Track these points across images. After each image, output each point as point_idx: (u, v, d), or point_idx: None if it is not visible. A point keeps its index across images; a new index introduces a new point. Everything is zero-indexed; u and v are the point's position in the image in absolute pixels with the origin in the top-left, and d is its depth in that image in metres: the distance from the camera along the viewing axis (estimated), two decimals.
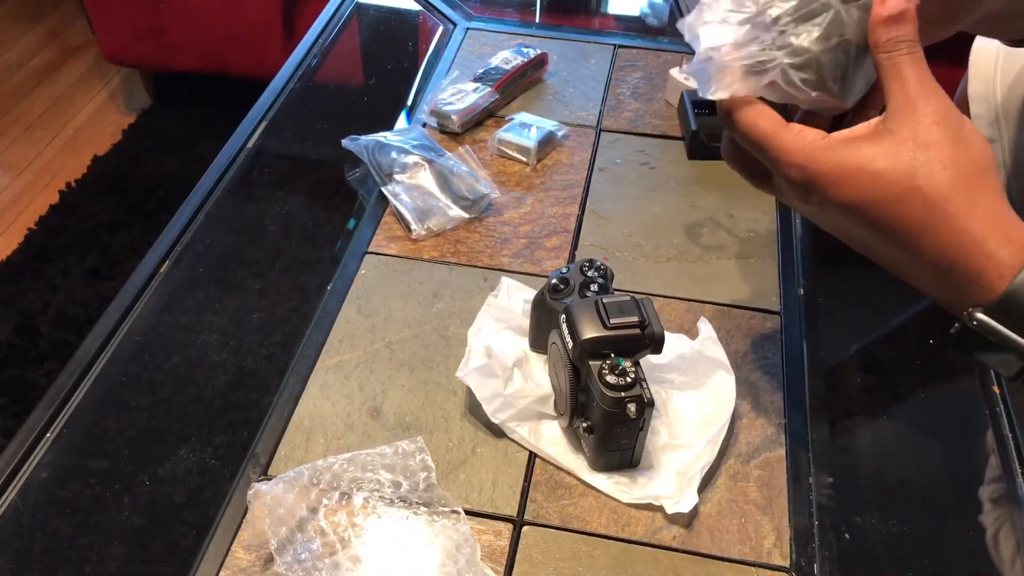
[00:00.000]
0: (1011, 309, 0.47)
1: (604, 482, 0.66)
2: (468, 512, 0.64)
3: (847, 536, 0.65)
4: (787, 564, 0.63)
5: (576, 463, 0.67)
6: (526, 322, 0.74)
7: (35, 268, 2.08)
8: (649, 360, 0.70)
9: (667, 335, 0.73)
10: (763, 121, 0.51)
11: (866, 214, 0.49)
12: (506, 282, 0.79)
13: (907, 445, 0.73)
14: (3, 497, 0.66)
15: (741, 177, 0.59)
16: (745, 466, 0.68)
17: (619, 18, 1.35)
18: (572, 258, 0.86)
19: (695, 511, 0.65)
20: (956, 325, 0.50)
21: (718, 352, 0.72)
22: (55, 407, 0.71)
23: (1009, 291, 0.47)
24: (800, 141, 0.50)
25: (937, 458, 0.73)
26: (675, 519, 0.65)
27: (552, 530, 0.64)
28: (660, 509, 0.65)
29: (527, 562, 0.62)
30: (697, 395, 0.71)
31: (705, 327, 0.74)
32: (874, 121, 0.50)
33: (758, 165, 0.56)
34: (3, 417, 1.77)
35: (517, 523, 0.65)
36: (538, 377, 0.72)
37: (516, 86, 1.05)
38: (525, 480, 0.67)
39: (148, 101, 2.61)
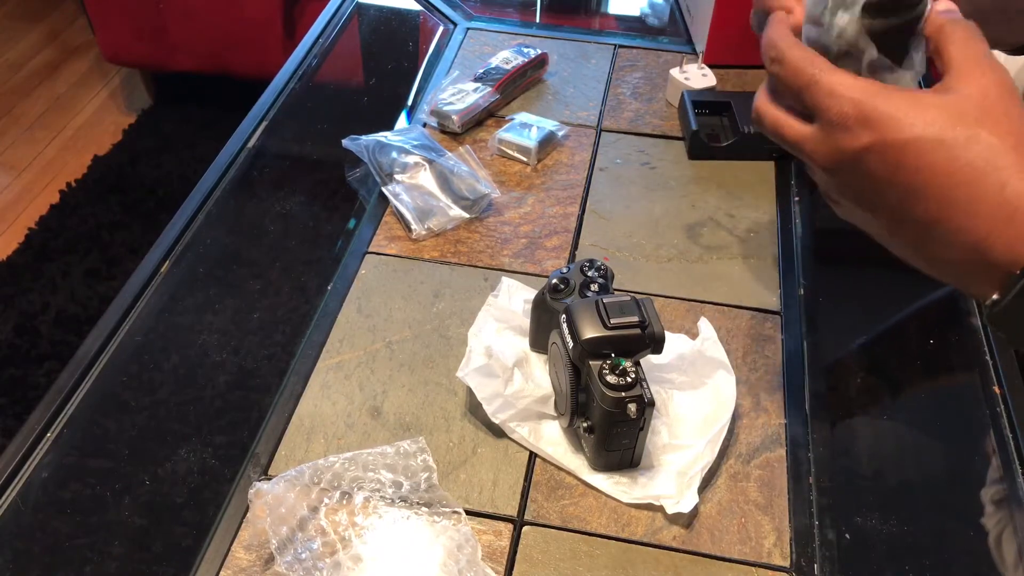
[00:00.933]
0: None
1: (604, 482, 0.66)
2: (468, 512, 0.64)
3: (847, 536, 0.65)
4: (787, 564, 0.63)
5: (576, 463, 0.67)
6: (526, 322, 0.74)
7: (35, 268, 2.08)
8: (649, 360, 0.70)
9: (667, 335, 0.73)
10: (818, 59, 0.49)
11: (920, 157, 0.46)
12: (506, 282, 0.79)
13: (907, 445, 0.73)
14: (3, 497, 0.66)
15: (771, 133, 0.54)
16: (745, 466, 0.68)
17: (619, 18, 1.34)
18: (572, 258, 0.86)
19: (695, 511, 0.65)
20: (997, 296, 0.46)
21: (719, 352, 0.72)
22: (55, 407, 0.71)
23: None
24: (859, 80, 0.48)
25: (938, 459, 0.73)
26: (675, 519, 0.65)
27: (552, 530, 0.64)
28: (660, 509, 0.65)
29: (527, 562, 0.62)
30: (697, 395, 0.71)
31: (706, 327, 0.73)
32: (934, 86, 0.48)
33: (796, 113, 0.52)
34: (3, 417, 1.77)
35: (517, 523, 0.65)
36: (538, 377, 0.72)
37: (516, 86, 1.05)
38: (525, 480, 0.67)
39: (148, 101, 2.61)
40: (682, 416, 0.70)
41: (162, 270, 0.84)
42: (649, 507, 0.65)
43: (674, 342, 0.74)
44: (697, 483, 0.64)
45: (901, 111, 0.46)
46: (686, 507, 0.64)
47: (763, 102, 0.54)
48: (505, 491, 0.66)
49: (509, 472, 0.67)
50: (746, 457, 0.69)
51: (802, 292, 0.83)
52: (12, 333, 1.93)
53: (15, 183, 2.36)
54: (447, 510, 0.64)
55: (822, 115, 0.49)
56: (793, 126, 0.52)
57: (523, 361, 0.72)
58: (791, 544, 0.64)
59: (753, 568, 0.62)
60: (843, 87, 0.48)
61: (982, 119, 0.45)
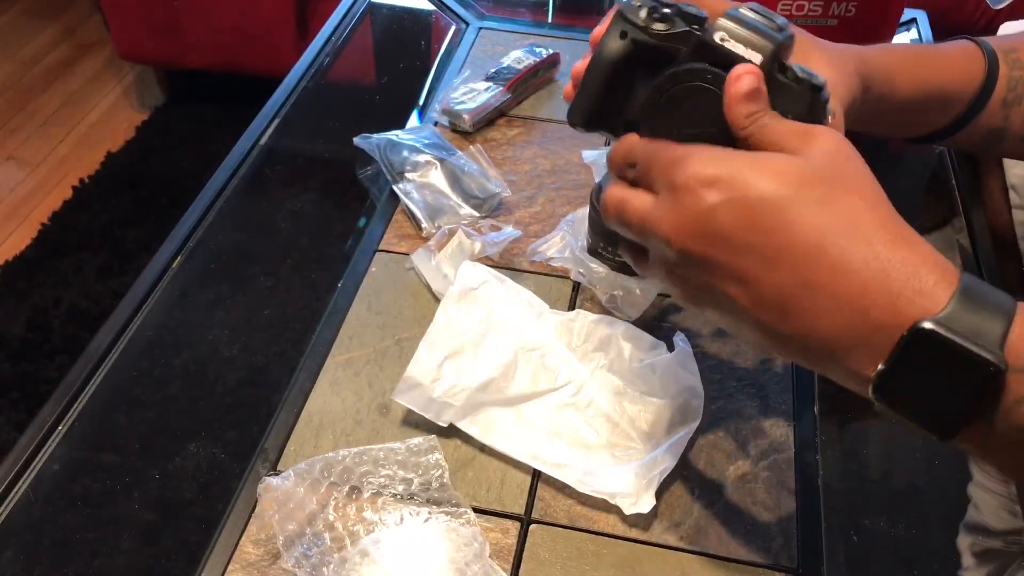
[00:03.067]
0: (962, 316, 0.40)
1: (562, 472, 0.66)
2: (476, 510, 0.64)
3: (855, 539, 0.65)
4: (795, 566, 0.63)
5: (531, 454, 0.67)
6: (489, 294, 0.75)
7: (48, 263, 2.09)
8: (624, 365, 0.72)
9: (646, 342, 0.74)
10: (670, 142, 0.48)
11: (776, 216, 0.42)
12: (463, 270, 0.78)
13: (917, 448, 0.73)
14: (15, 490, 0.66)
15: (614, 215, 0.50)
16: (754, 467, 0.68)
17: None
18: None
19: (703, 512, 0.65)
20: (882, 365, 0.41)
21: (692, 367, 0.71)
22: (66, 401, 0.72)
23: (964, 287, 0.40)
24: (702, 147, 0.46)
25: (947, 462, 0.73)
26: (683, 518, 0.65)
27: (560, 529, 0.64)
28: (667, 509, 0.65)
29: (534, 560, 0.62)
30: (665, 404, 0.70)
31: (682, 342, 0.73)
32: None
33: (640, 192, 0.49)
34: (15, 411, 1.78)
35: (525, 521, 0.65)
36: (483, 358, 0.72)
37: (528, 86, 1.05)
38: (533, 478, 0.67)
39: (162, 98, 2.62)
40: (648, 421, 0.70)
41: (173, 266, 0.84)
42: (656, 508, 0.65)
43: (650, 351, 0.74)
44: (655, 486, 0.64)
45: (749, 168, 0.43)
46: (643, 508, 0.63)
47: (613, 186, 0.51)
48: (513, 489, 0.66)
49: (517, 470, 0.68)
50: (754, 458, 0.69)
51: None
52: (24, 328, 1.94)
53: (28, 179, 2.37)
54: (456, 508, 0.64)
55: (666, 182, 0.46)
56: (633, 198, 0.48)
57: (464, 348, 0.72)
58: (798, 546, 0.64)
59: (760, 569, 0.62)
60: (689, 152, 0.45)
61: (835, 178, 0.43)
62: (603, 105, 0.53)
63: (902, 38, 1.13)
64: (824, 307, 0.42)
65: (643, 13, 0.50)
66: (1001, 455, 0.42)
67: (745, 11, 0.48)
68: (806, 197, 0.42)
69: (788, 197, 0.42)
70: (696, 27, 0.49)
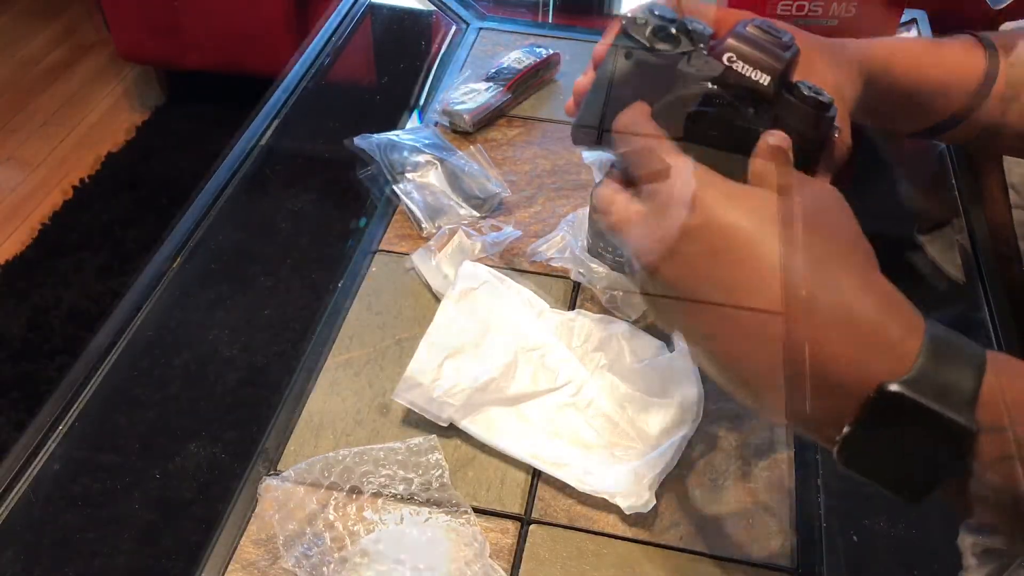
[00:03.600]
0: (930, 373, 0.38)
1: (562, 471, 0.66)
2: (476, 510, 0.64)
3: (854, 539, 0.65)
4: (794, 566, 0.63)
5: (531, 453, 0.67)
6: (490, 296, 0.75)
7: (48, 264, 2.09)
8: (624, 365, 0.72)
9: (646, 341, 0.74)
10: (665, 141, 0.47)
11: (750, 246, 0.41)
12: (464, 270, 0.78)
13: None
14: (14, 490, 0.66)
15: (602, 212, 0.50)
16: (753, 467, 0.68)
17: None
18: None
19: (702, 512, 0.65)
20: (848, 428, 0.39)
21: (692, 367, 0.71)
22: (66, 402, 0.72)
23: (930, 339, 0.39)
24: (697, 166, 0.45)
25: None
26: (682, 518, 0.65)
27: (559, 528, 0.64)
28: (667, 509, 0.65)
29: (534, 560, 0.62)
30: (664, 403, 0.70)
31: (681, 342, 0.73)
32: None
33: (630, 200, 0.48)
34: (15, 411, 1.78)
35: (524, 521, 0.65)
36: (484, 357, 0.72)
37: (528, 86, 1.05)
38: (533, 478, 0.67)
39: (161, 98, 2.62)
40: (648, 421, 0.70)
41: (173, 267, 0.84)
42: (655, 508, 0.65)
43: (649, 349, 0.74)
44: (655, 486, 0.64)
45: (733, 196, 0.43)
46: (643, 508, 0.63)
47: (606, 185, 0.50)
48: (512, 489, 0.66)
49: (516, 470, 0.68)
50: (753, 459, 0.69)
51: None
52: (24, 328, 1.94)
53: (28, 179, 2.37)
54: (456, 508, 0.64)
55: (656, 192, 0.45)
56: (621, 201, 0.48)
57: (464, 348, 0.72)
58: (797, 546, 0.64)
59: (759, 569, 0.62)
60: (681, 169, 0.45)
61: (814, 218, 0.42)
62: (607, 124, 0.52)
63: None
64: (781, 351, 0.40)
65: (647, 31, 0.49)
66: (979, 510, 0.41)
67: (752, 29, 0.48)
68: (778, 234, 0.41)
69: (761, 231, 0.41)
70: (702, 46, 0.49)
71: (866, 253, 0.43)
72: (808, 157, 0.51)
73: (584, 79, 0.53)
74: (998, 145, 0.73)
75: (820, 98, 0.48)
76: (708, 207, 0.42)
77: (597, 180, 0.90)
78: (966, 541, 0.60)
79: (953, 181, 0.95)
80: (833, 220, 0.44)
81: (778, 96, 0.48)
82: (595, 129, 0.54)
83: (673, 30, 0.49)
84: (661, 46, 0.49)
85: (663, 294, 0.45)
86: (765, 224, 0.42)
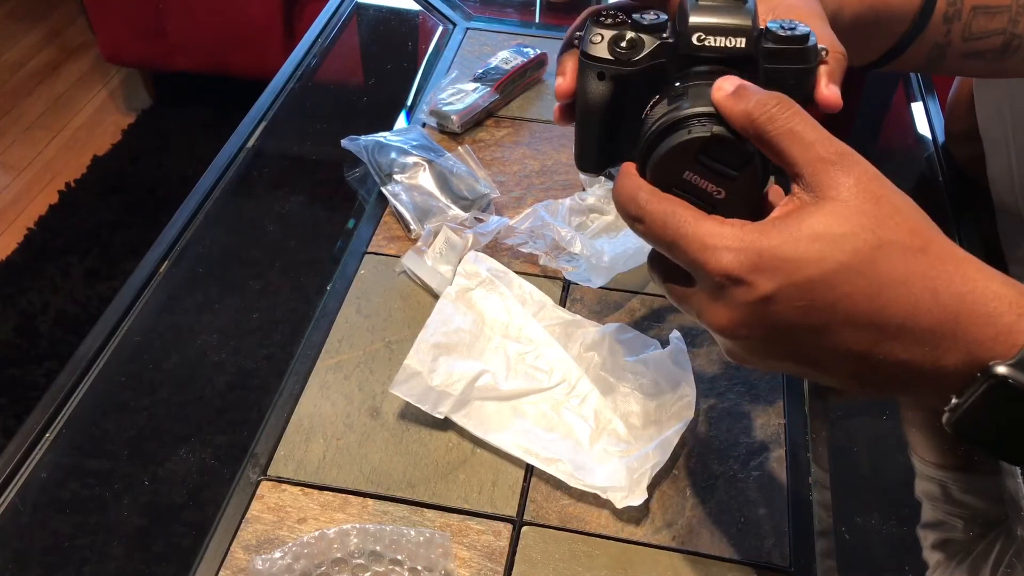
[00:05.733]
0: None
1: (554, 467, 0.66)
2: (467, 512, 0.64)
3: (847, 536, 0.65)
4: (786, 564, 0.63)
5: (523, 449, 0.68)
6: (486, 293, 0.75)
7: (35, 268, 2.08)
8: (617, 362, 0.72)
9: (639, 340, 0.75)
10: (680, 208, 0.43)
11: (832, 290, 0.39)
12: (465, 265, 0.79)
13: (907, 445, 0.73)
14: (2, 497, 0.65)
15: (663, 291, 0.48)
16: (745, 466, 0.68)
17: None
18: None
19: (695, 511, 0.65)
20: (956, 400, 0.40)
21: (685, 364, 0.72)
22: (54, 407, 0.71)
23: None
24: (728, 225, 0.41)
25: None
26: (675, 518, 0.65)
27: (551, 530, 0.64)
28: (660, 509, 0.65)
29: (526, 562, 0.62)
30: (657, 400, 0.71)
31: (677, 339, 0.73)
32: (793, 198, 0.42)
33: (680, 272, 0.45)
34: (3, 417, 1.77)
35: (517, 523, 0.65)
36: (479, 354, 0.72)
37: (516, 86, 1.05)
38: (525, 480, 0.67)
39: (148, 101, 2.61)
40: (640, 416, 0.70)
41: (161, 270, 0.84)
42: (647, 507, 0.65)
43: (643, 347, 0.74)
44: (646, 481, 0.64)
45: (792, 247, 0.40)
46: (635, 501, 0.63)
47: (652, 257, 0.48)
48: (504, 491, 0.66)
49: (508, 472, 0.67)
50: (745, 457, 0.69)
51: None
52: (12, 333, 1.92)
53: (15, 183, 2.35)
54: None
55: (703, 274, 0.42)
56: (675, 290, 0.45)
57: (457, 345, 0.72)
58: (790, 544, 0.64)
59: (752, 568, 0.62)
60: (715, 238, 0.41)
61: (879, 223, 0.40)
62: (609, 145, 0.52)
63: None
64: (895, 364, 0.40)
65: (606, 46, 0.48)
66: None
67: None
68: (860, 261, 0.39)
69: (843, 267, 0.39)
70: (665, 35, 0.48)
71: (933, 232, 0.41)
72: (809, 94, 0.49)
73: (565, 81, 0.52)
74: (944, 67, 0.73)
75: (796, 32, 0.47)
76: (772, 263, 0.40)
77: (584, 180, 0.90)
78: (927, 540, 0.60)
79: (941, 180, 0.96)
80: (888, 206, 0.41)
81: (758, 51, 0.46)
82: (598, 164, 0.53)
83: (630, 34, 0.48)
84: (628, 55, 0.48)
85: (754, 356, 0.44)
86: (835, 252, 0.40)
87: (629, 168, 0.46)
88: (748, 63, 0.47)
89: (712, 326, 0.43)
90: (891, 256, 0.39)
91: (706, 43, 0.46)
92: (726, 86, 0.44)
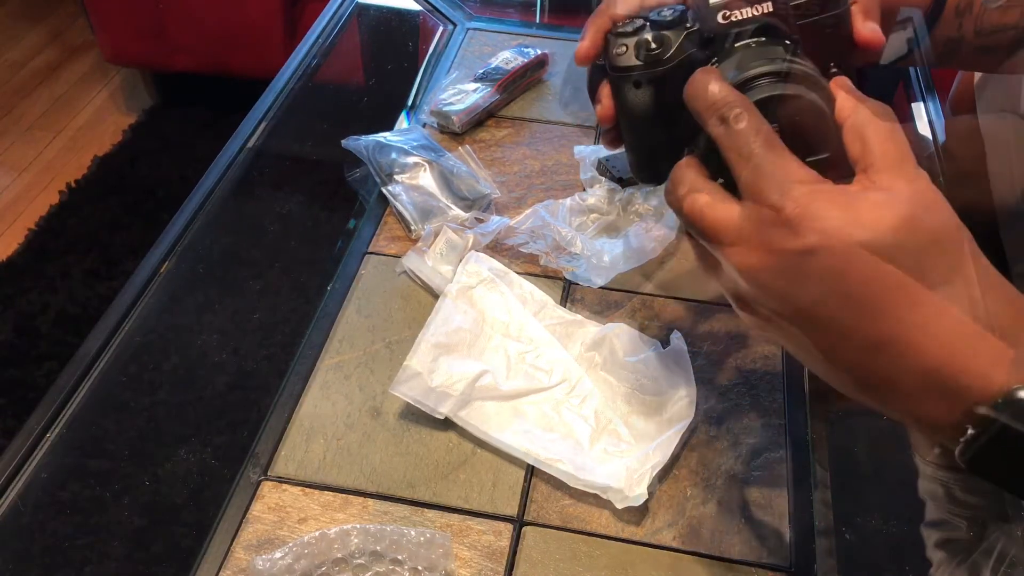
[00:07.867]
0: None
1: (555, 467, 0.66)
2: (468, 512, 0.64)
3: (848, 536, 0.65)
4: (788, 564, 0.63)
5: (524, 448, 0.67)
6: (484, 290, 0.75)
7: (35, 268, 2.08)
8: (617, 362, 0.72)
9: (640, 340, 0.75)
10: (765, 127, 0.42)
11: (875, 265, 0.38)
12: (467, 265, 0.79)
13: (908, 445, 0.73)
14: (3, 498, 0.65)
15: (687, 210, 0.45)
16: (746, 467, 0.68)
17: None
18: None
19: (696, 511, 0.65)
20: (972, 430, 0.39)
21: (685, 365, 0.72)
22: (55, 408, 0.71)
23: None
24: (806, 170, 0.41)
25: None
26: (676, 518, 0.65)
27: (552, 530, 0.64)
28: (661, 509, 0.65)
29: (527, 563, 0.62)
30: (657, 400, 0.71)
31: (678, 340, 0.73)
32: (864, 182, 0.41)
33: (721, 195, 0.44)
34: (3, 418, 1.77)
35: (518, 523, 0.64)
36: (479, 354, 0.72)
37: (517, 86, 1.05)
38: (525, 480, 0.67)
39: (149, 101, 2.61)
40: (641, 417, 0.70)
41: (162, 270, 0.84)
42: (647, 507, 0.65)
43: (644, 347, 0.74)
44: (647, 481, 0.64)
45: (851, 211, 0.39)
46: (635, 502, 0.63)
47: (687, 164, 0.45)
48: (505, 491, 0.66)
49: (509, 472, 0.67)
50: (746, 458, 0.69)
51: None
52: (12, 333, 1.92)
53: (15, 183, 2.35)
54: None
55: (763, 197, 0.40)
56: (717, 207, 0.43)
57: (457, 345, 0.72)
58: (791, 544, 0.64)
59: (753, 568, 0.62)
60: (795, 171, 0.40)
61: (937, 229, 0.39)
62: (661, 152, 0.50)
63: (897, 36, 1.13)
64: (904, 365, 0.39)
65: (633, 54, 0.47)
66: None
67: None
68: (907, 246, 0.39)
69: (890, 246, 0.39)
70: (688, 25, 0.47)
71: (974, 251, 0.40)
72: (847, 38, 0.48)
73: (604, 106, 0.51)
74: (958, 61, 0.73)
75: None
76: (834, 225, 0.39)
77: (584, 176, 0.90)
78: (931, 539, 0.60)
79: (940, 179, 0.96)
80: (939, 215, 0.40)
81: (787, 11, 0.45)
82: (659, 174, 0.51)
83: (653, 34, 0.47)
84: (659, 53, 0.47)
85: (762, 309, 0.43)
86: (886, 233, 0.39)
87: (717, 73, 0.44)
88: (779, 27, 0.45)
89: (738, 265, 0.42)
90: (939, 255, 0.39)
91: (732, 18, 0.45)
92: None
